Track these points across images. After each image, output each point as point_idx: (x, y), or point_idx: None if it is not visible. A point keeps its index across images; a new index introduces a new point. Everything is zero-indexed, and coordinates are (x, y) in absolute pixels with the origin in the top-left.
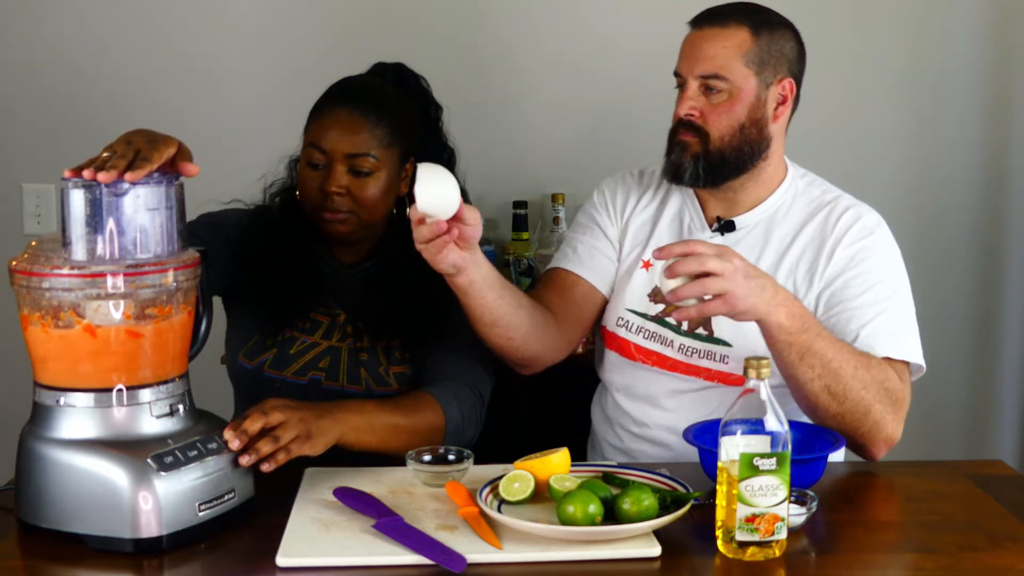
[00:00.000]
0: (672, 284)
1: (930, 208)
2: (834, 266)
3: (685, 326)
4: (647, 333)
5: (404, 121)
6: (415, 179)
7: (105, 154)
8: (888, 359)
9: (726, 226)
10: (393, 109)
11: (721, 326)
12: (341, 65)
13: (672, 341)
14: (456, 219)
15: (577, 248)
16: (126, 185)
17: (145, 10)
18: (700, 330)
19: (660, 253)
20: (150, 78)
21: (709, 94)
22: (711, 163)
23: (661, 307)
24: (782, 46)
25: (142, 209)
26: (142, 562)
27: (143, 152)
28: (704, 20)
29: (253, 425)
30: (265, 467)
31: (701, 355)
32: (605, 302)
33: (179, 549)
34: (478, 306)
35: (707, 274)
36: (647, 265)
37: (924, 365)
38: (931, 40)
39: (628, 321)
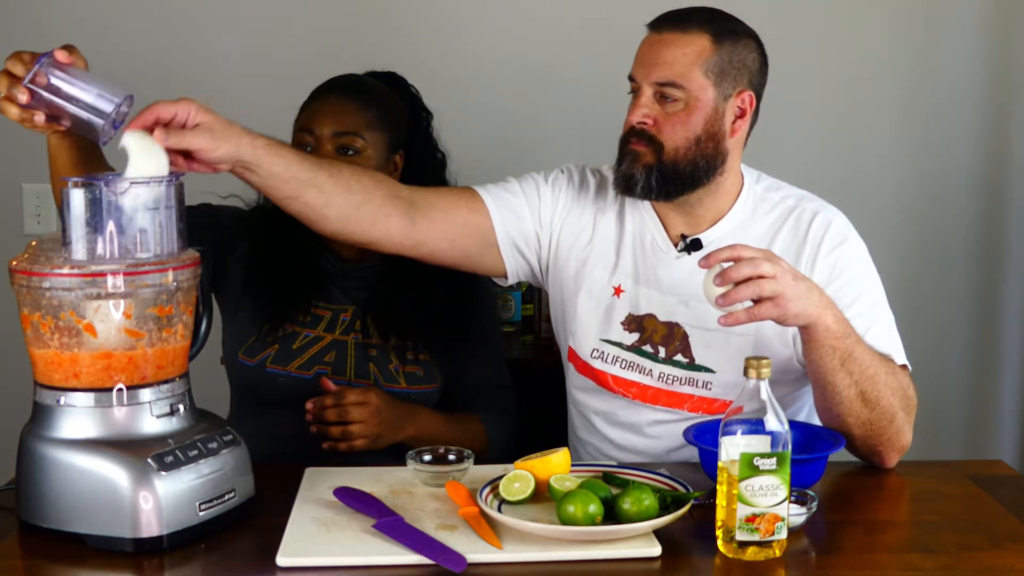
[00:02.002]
0: (722, 290)
1: (931, 209)
2: (818, 277)
3: (663, 353)
4: (624, 363)
5: (392, 111)
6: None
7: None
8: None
9: (693, 244)
10: (381, 98)
11: (703, 352)
12: (337, 69)
13: (651, 370)
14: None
15: (504, 195)
16: (126, 184)
17: (146, 10)
18: (679, 357)
19: (706, 261)
20: (150, 78)
21: (664, 102)
22: (664, 175)
23: (637, 336)
24: (744, 57)
25: (142, 209)
26: (142, 562)
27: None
28: (664, 23)
29: (331, 416)
30: (326, 445)
31: (683, 382)
32: (495, 248)
33: (179, 549)
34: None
35: (757, 278)
36: (619, 292)
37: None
38: (932, 43)
39: (604, 352)
